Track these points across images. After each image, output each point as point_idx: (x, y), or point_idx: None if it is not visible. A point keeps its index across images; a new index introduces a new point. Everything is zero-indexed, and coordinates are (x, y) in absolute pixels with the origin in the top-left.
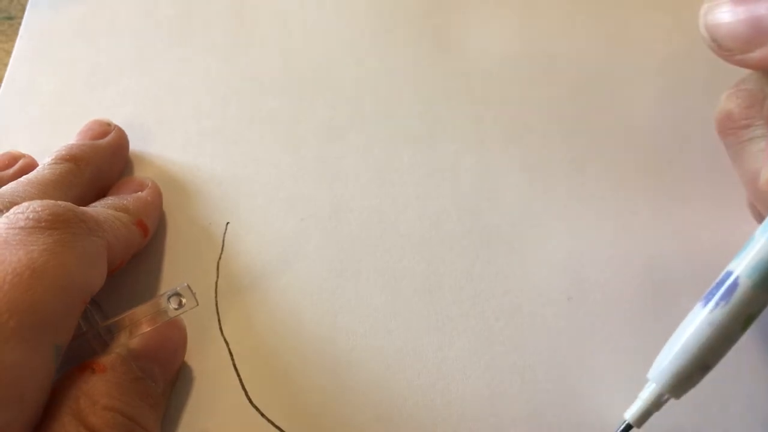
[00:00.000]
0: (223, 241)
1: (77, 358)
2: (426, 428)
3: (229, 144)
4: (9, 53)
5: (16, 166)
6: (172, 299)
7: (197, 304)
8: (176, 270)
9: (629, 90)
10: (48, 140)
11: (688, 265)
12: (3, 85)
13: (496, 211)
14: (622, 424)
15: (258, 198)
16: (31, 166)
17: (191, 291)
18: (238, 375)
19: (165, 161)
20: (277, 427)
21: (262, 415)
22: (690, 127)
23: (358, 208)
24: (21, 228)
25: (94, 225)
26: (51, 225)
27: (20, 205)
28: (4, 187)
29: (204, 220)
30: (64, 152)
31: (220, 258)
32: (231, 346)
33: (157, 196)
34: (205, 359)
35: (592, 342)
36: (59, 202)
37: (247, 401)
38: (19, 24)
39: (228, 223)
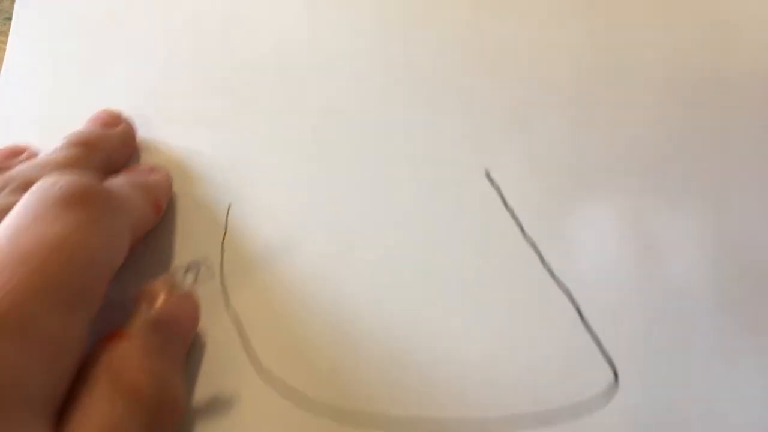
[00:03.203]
0: (227, 221)
1: (103, 328)
2: (432, 385)
3: (227, 129)
4: None
5: (21, 156)
6: (188, 273)
7: (213, 277)
8: (184, 249)
9: None
10: (47, 133)
11: None
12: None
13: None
14: None
15: (259, 180)
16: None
17: (206, 264)
18: (244, 342)
19: (168, 148)
20: (287, 386)
21: (270, 381)
22: None
23: (357, 186)
24: (53, 204)
25: (119, 203)
26: (80, 202)
27: (47, 180)
28: (15, 169)
29: (208, 203)
30: (74, 137)
31: (224, 237)
32: (236, 318)
33: (168, 179)
34: (212, 331)
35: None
36: (86, 180)
37: (253, 368)
38: None
39: (230, 204)
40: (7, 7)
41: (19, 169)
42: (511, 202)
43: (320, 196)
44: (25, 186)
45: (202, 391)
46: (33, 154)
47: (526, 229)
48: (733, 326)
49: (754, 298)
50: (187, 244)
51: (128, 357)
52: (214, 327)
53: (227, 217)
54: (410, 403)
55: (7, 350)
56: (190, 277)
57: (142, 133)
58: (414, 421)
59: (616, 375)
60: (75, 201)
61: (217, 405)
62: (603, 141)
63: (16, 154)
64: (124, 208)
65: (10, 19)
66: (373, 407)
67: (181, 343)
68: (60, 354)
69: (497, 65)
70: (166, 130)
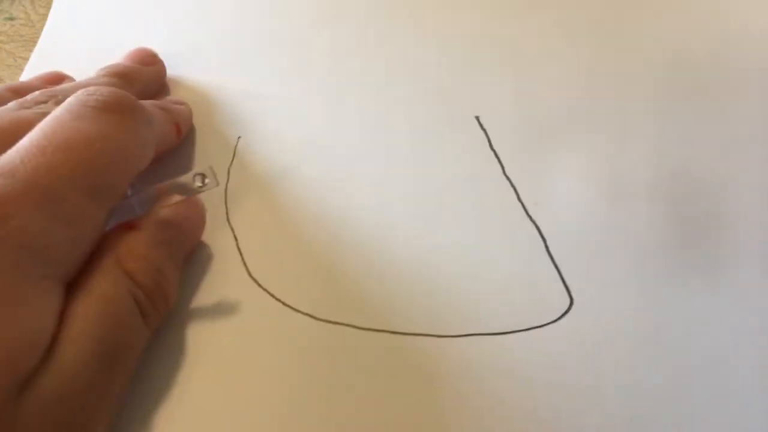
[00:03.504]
0: (235, 150)
1: (119, 218)
2: (403, 300)
3: (245, 68)
4: (11, 54)
5: (62, 83)
6: (197, 177)
7: (218, 184)
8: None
9: None
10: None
11: None
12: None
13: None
14: None
15: (268, 115)
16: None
17: (213, 172)
18: (240, 253)
19: (193, 85)
20: (272, 296)
21: (260, 285)
22: None
23: (359, 123)
24: (92, 107)
25: (148, 116)
26: (116, 108)
27: (87, 89)
28: (65, 86)
29: (222, 134)
30: (112, 68)
31: (231, 163)
32: (236, 233)
33: (189, 110)
34: (213, 242)
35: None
36: (122, 92)
37: (248, 276)
38: (21, 25)
39: (239, 136)
40: (6, 7)
41: (62, 88)
42: (496, 144)
43: (322, 133)
44: (65, 99)
45: (198, 289)
46: (71, 82)
47: (506, 168)
48: (684, 264)
49: (705, 239)
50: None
51: (133, 245)
52: (213, 237)
53: (236, 147)
54: (377, 316)
55: (37, 217)
56: (198, 181)
57: (171, 71)
58: (378, 333)
59: (571, 300)
60: (112, 107)
61: (212, 305)
62: (589, 90)
63: (58, 79)
64: (151, 121)
65: (11, 19)
66: (343, 316)
67: (184, 244)
68: (80, 232)
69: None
70: (193, 70)
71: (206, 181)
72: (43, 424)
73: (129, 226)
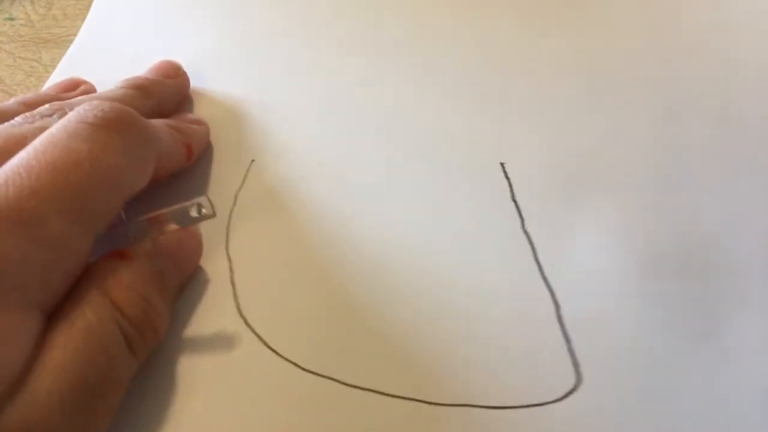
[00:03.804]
0: (246, 175)
1: (110, 246)
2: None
3: (271, 84)
4: (11, 54)
5: (78, 89)
6: (193, 207)
7: (215, 215)
8: (204, 191)
9: None
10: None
11: None
12: (80, 33)
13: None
14: None
15: (287, 135)
16: (91, 91)
17: (210, 202)
18: (233, 286)
19: (218, 96)
20: (259, 337)
21: (247, 324)
22: None
23: (377, 159)
24: (89, 124)
25: (151, 135)
26: (115, 126)
27: (91, 102)
28: (73, 99)
29: (236, 156)
30: (132, 81)
31: (240, 189)
32: (233, 263)
33: (206, 130)
34: (209, 268)
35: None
36: (125, 107)
37: (238, 312)
38: (21, 25)
39: (253, 160)
40: (7, 7)
41: (74, 100)
42: (519, 194)
43: (337, 166)
44: None
45: (188, 319)
46: (90, 89)
47: (526, 222)
48: (706, 348)
49: (732, 324)
50: (209, 189)
51: (123, 274)
52: (210, 263)
53: (248, 171)
54: (367, 373)
55: (14, 240)
56: (194, 211)
57: (197, 82)
58: (364, 392)
59: (579, 378)
60: (110, 125)
61: (199, 338)
62: (625, 145)
63: (74, 86)
64: (152, 140)
65: (11, 19)
66: (330, 369)
67: (178, 274)
68: (60, 257)
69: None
70: (219, 82)
71: (203, 211)
72: None
73: (120, 255)
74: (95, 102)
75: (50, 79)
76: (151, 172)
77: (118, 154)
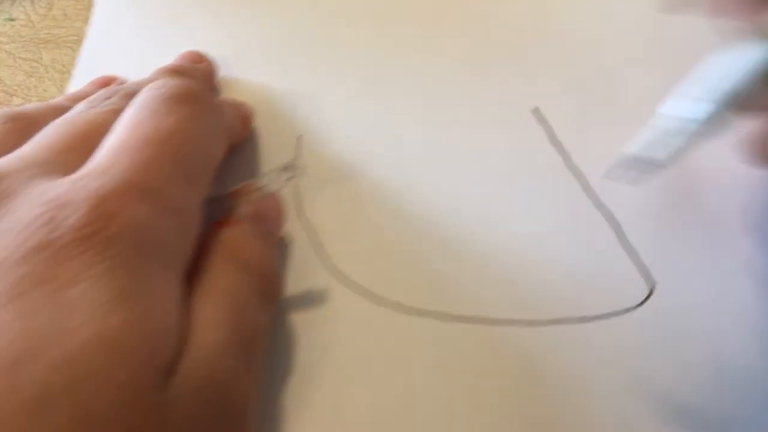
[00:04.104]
0: (296, 148)
1: (211, 218)
2: (483, 287)
3: (296, 68)
4: (11, 54)
5: (112, 84)
6: (282, 172)
7: (306, 176)
8: (267, 163)
9: None
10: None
11: None
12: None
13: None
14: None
15: (327, 113)
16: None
17: (299, 164)
18: (315, 245)
19: (244, 86)
20: (358, 285)
21: (343, 275)
22: None
23: (417, 118)
24: (164, 99)
25: (217, 105)
26: (186, 99)
27: (156, 81)
28: (126, 84)
29: (280, 133)
30: (166, 67)
31: (294, 156)
32: (311, 226)
33: (249, 107)
34: (290, 236)
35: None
36: (190, 82)
37: (327, 267)
38: (21, 25)
39: (300, 135)
40: (7, 7)
41: (127, 85)
42: (558, 135)
43: (380, 129)
44: (130, 94)
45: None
46: (122, 83)
47: (572, 159)
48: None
49: None
50: (266, 161)
51: (239, 239)
52: (289, 230)
53: (297, 144)
54: (461, 301)
55: (142, 211)
56: (284, 174)
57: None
58: (461, 317)
59: (653, 285)
60: (182, 99)
61: (299, 296)
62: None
63: (108, 82)
64: (220, 111)
65: (11, 20)
66: (430, 305)
67: (275, 236)
68: (184, 220)
69: None
70: (242, 70)
71: (295, 173)
72: (196, 404)
73: (227, 223)
74: (160, 81)
75: (71, 81)
76: (226, 143)
77: (199, 123)
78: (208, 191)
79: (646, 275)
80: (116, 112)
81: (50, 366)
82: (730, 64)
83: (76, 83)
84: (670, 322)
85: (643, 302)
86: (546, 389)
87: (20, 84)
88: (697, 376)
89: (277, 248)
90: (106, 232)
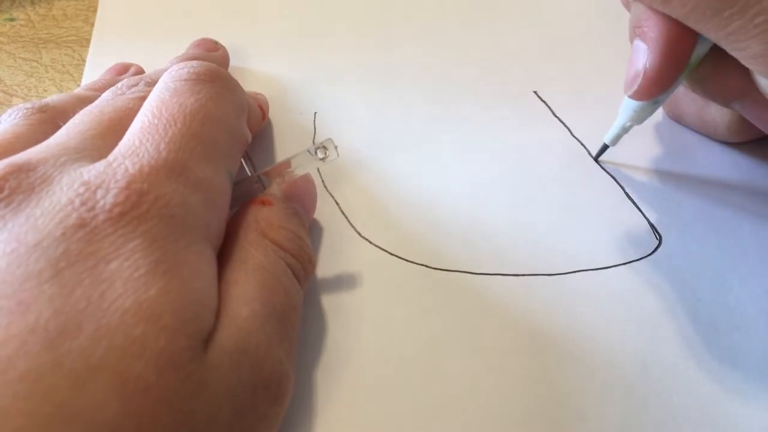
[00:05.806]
0: (314, 125)
1: (245, 197)
2: (503, 248)
3: (309, 54)
4: (11, 54)
5: (130, 71)
6: (318, 150)
7: (338, 156)
8: (284, 150)
9: None
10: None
11: None
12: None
13: None
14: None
15: (339, 92)
16: (141, 72)
17: (333, 143)
18: (346, 217)
19: (257, 74)
20: (386, 251)
21: (372, 243)
22: None
23: (425, 101)
24: (186, 80)
25: (239, 85)
26: (209, 78)
27: (178, 65)
28: (149, 72)
29: (296, 113)
30: (183, 56)
31: (314, 137)
32: (337, 199)
33: (265, 97)
34: (318, 211)
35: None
36: (211, 63)
37: (359, 236)
38: (21, 25)
39: (315, 112)
40: (7, 8)
41: (144, 75)
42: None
43: (390, 111)
44: (153, 81)
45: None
46: (139, 70)
47: (573, 131)
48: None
49: None
50: (285, 147)
51: (272, 217)
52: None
53: (314, 122)
54: (488, 262)
55: (171, 188)
56: (320, 153)
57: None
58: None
59: (660, 239)
60: (205, 78)
61: (334, 266)
62: None
63: (125, 69)
64: (241, 89)
65: (11, 20)
66: (456, 265)
67: (308, 214)
68: (211, 196)
69: None
70: (254, 60)
71: (327, 153)
72: (231, 374)
73: (261, 202)
74: (182, 63)
75: (85, 74)
76: (249, 121)
77: (221, 100)
78: (236, 170)
79: (654, 229)
80: (142, 99)
81: (91, 338)
82: None
83: (87, 77)
84: (677, 267)
85: (653, 252)
86: (566, 330)
87: (20, 84)
88: (705, 312)
89: (307, 228)
90: (138, 210)
